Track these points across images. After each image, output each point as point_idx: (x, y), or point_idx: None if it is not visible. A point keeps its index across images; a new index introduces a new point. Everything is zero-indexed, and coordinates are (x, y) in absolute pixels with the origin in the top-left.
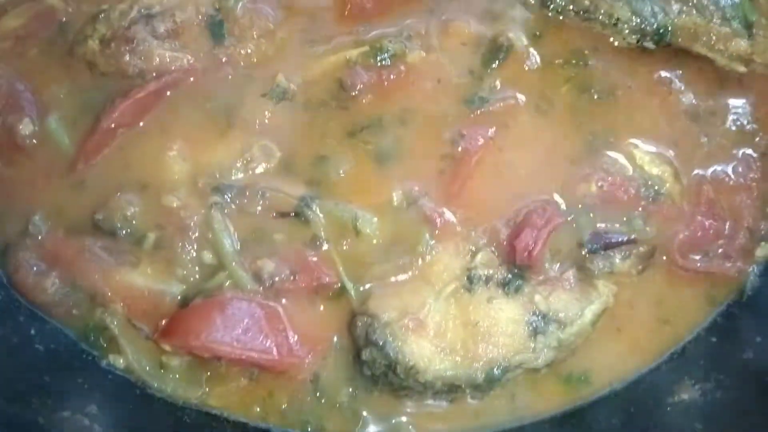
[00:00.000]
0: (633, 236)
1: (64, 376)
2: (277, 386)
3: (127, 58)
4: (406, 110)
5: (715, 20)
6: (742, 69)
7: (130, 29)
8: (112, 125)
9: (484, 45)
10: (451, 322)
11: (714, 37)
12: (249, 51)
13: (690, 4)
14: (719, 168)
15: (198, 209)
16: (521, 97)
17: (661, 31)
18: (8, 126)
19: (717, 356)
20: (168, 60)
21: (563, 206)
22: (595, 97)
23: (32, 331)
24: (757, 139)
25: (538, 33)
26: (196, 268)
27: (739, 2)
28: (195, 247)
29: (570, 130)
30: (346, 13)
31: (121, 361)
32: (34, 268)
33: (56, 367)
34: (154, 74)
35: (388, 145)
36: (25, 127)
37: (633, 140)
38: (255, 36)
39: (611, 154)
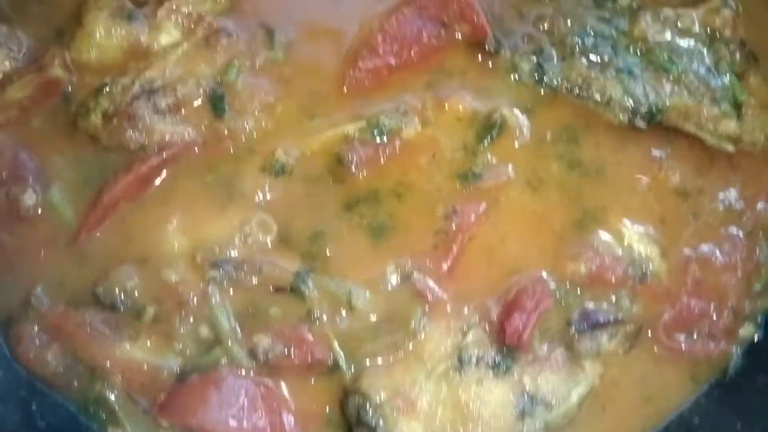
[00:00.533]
0: (620, 315)
1: None
2: None
3: (129, 133)
4: (401, 184)
5: (705, 101)
6: (730, 148)
7: (132, 105)
8: (114, 198)
9: (478, 121)
10: (441, 403)
11: (704, 118)
12: (249, 125)
13: (681, 84)
14: (706, 247)
15: (196, 284)
16: (513, 174)
17: (653, 110)
18: (12, 197)
19: None
20: (169, 134)
21: (552, 284)
22: (586, 174)
23: (33, 407)
24: (744, 218)
25: (529, 107)
26: (194, 343)
27: (729, 84)
28: (192, 321)
29: (560, 207)
30: (345, 89)
31: None
32: (36, 341)
33: None
34: (156, 148)
35: (382, 219)
36: (29, 198)
37: (622, 218)
38: (255, 110)
39: (600, 232)
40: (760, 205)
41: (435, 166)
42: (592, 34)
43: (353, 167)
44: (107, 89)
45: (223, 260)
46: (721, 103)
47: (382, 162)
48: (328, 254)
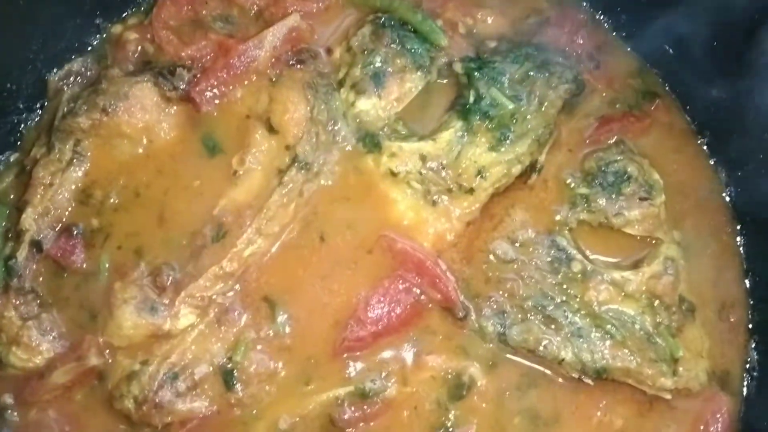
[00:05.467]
0: None
1: None
2: None
3: (156, 418)
4: None
5: (644, 363)
6: (668, 396)
7: (158, 393)
8: None
9: (449, 380)
10: None
11: (643, 376)
12: (255, 393)
13: (624, 347)
14: None
15: None
16: (480, 427)
17: (599, 370)
18: None
19: None
20: (189, 410)
21: None
22: (543, 424)
23: None
24: None
25: (492, 363)
26: None
27: (666, 346)
28: None
29: None
30: (337, 355)
31: None
32: None
33: None
34: (180, 422)
35: None
36: None
37: None
38: (260, 379)
39: None
40: None
41: (415, 419)
42: (547, 298)
43: (345, 427)
44: (136, 378)
45: None
46: (659, 363)
47: (369, 417)
48: None
